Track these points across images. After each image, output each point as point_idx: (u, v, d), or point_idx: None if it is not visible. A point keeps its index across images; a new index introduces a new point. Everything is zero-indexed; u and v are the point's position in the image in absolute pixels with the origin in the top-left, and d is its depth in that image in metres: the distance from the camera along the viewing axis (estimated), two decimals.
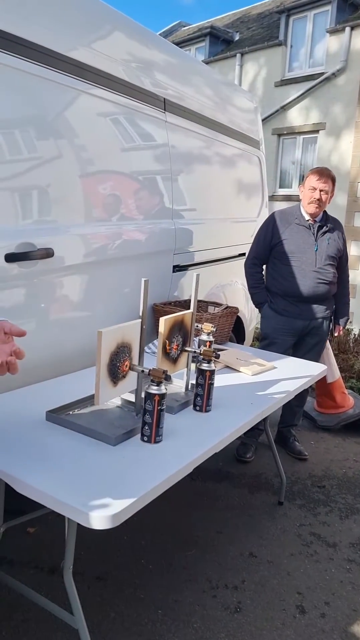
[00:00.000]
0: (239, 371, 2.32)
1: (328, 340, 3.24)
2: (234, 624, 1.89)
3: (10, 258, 1.88)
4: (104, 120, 2.32)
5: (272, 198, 11.82)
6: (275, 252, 2.98)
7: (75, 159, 2.17)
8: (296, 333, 3.02)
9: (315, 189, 2.85)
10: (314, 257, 2.90)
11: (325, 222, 2.96)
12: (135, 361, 1.68)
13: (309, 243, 2.91)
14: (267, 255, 3.04)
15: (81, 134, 2.19)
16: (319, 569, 2.22)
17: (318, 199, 2.85)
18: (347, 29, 10.84)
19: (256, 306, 3.18)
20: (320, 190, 2.84)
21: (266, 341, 3.05)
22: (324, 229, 2.94)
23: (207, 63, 13.05)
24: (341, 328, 3.21)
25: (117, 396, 1.66)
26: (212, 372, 1.80)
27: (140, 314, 1.67)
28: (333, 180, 2.89)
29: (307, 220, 2.93)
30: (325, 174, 2.87)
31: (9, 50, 1.85)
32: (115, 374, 1.59)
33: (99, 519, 1.18)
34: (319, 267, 2.90)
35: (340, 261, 3.00)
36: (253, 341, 4.36)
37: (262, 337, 3.12)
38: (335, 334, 3.23)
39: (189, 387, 2.02)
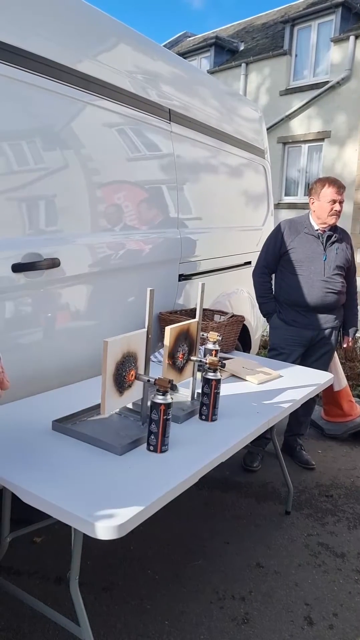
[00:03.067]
0: (245, 380, 2.32)
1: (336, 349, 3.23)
2: (241, 636, 1.87)
3: (17, 268, 1.89)
4: (109, 132, 2.34)
5: (278, 206, 11.86)
6: (284, 261, 2.98)
7: (81, 169, 2.19)
8: (305, 343, 3.01)
9: (335, 201, 2.87)
10: (322, 267, 2.90)
11: (334, 232, 2.97)
12: (141, 370, 1.68)
13: (317, 252, 2.92)
14: (276, 265, 3.04)
15: (87, 145, 2.21)
16: (327, 580, 2.20)
17: (339, 211, 2.89)
18: (352, 38, 10.92)
19: (264, 316, 3.17)
20: (340, 202, 2.88)
21: (275, 352, 3.03)
22: (333, 238, 2.94)
23: (212, 73, 13.17)
24: (350, 339, 3.20)
25: (123, 405, 1.66)
26: (218, 382, 1.80)
27: (146, 323, 1.67)
28: (344, 189, 2.95)
29: (317, 230, 2.94)
30: (342, 185, 2.92)
31: (16, 63, 1.88)
32: (121, 383, 1.59)
33: (105, 529, 1.18)
34: (327, 277, 2.90)
35: (348, 272, 3.00)
36: (259, 349, 4.35)
37: (270, 347, 3.11)
38: (344, 345, 3.22)
39: (195, 396, 2.02)
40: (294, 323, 2.99)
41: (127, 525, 1.20)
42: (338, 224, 3.06)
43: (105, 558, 2.21)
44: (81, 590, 1.44)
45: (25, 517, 2.01)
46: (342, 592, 2.13)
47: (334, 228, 2.98)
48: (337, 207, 2.88)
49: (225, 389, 2.15)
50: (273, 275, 3.12)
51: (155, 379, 1.55)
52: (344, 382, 3.57)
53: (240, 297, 3.63)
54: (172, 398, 1.53)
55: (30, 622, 1.85)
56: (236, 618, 1.95)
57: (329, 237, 2.94)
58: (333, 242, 2.95)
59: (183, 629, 1.88)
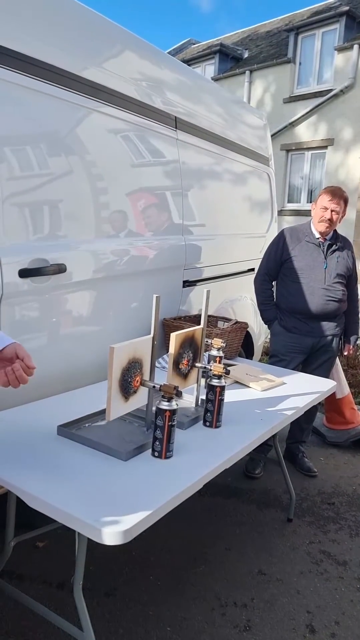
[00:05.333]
0: (248, 387, 2.33)
1: (337, 357, 3.24)
2: None
3: (24, 273, 1.91)
4: (116, 138, 2.36)
5: (281, 213, 11.89)
6: (285, 268, 3.00)
7: (87, 176, 2.20)
8: (306, 350, 3.02)
9: (326, 208, 2.86)
10: (323, 275, 2.91)
11: (335, 241, 2.98)
12: (147, 376, 1.69)
13: (318, 261, 2.93)
14: (277, 272, 3.05)
15: (94, 152, 2.23)
16: (329, 588, 2.20)
17: (329, 219, 2.87)
18: (355, 47, 10.98)
19: (265, 323, 3.18)
20: (332, 211, 2.86)
21: (276, 358, 3.04)
22: (334, 247, 2.96)
23: (216, 80, 13.23)
24: (351, 347, 3.21)
25: (128, 411, 1.67)
26: (223, 388, 1.81)
27: (152, 330, 1.68)
28: (345, 200, 2.91)
29: (318, 238, 2.95)
30: (337, 194, 2.89)
31: (23, 70, 1.90)
32: (127, 389, 1.60)
33: (111, 534, 1.18)
34: (327, 285, 2.91)
35: (349, 280, 3.01)
36: (262, 356, 4.35)
37: (271, 354, 3.12)
38: (345, 353, 3.22)
39: (199, 402, 2.03)
40: (294, 330, 3.00)
41: (133, 530, 1.21)
42: (340, 232, 3.07)
43: (108, 563, 2.22)
44: (83, 595, 1.45)
45: (27, 521, 2.02)
46: (344, 601, 2.13)
47: (335, 236, 2.99)
48: (327, 214, 2.87)
49: (229, 396, 2.16)
50: (274, 282, 3.14)
51: (161, 385, 1.56)
52: (346, 390, 3.57)
53: (243, 303, 3.64)
54: (177, 404, 1.54)
55: (33, 627, 1.85)
56: (238, 625, 1.95)
57: (330, 245, 2.95)
58: (334, 251, 2.96)
59: (185, 635, 1.88)
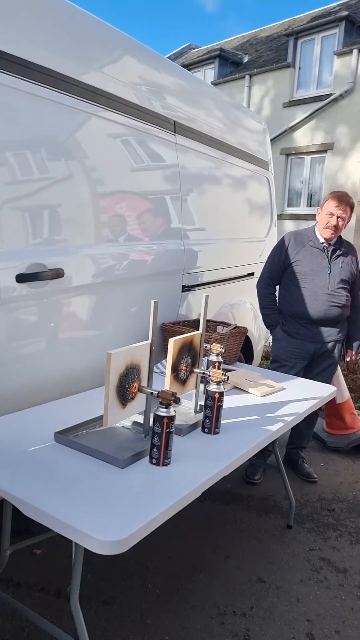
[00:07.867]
0: (248, 392, 2.31)
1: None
2: None
3: (21, 278, 1.89)
4: (115, 143, 2.36)
5: (280, 217, 11.89)
6: (288, 273, 2.98)
7: (86, 180, 2.19)
8: (308, 356, 3.00)
9: (332, 215, 2.85)
10: (326, 280, 2.89)
11: (340, 246, 2.96)
12: (144, 383, 1.67)
13: (322, 266, 2.91)
14: (280, 276, 3.03)
15: (92, 156, 2.22)
16: (329, 596, 2.18)
17: (334, 225, 2.86)
18: (355, 52, 11.00)
19: (268, 328, 3.16)
20: (338, 217, 2.84)
21: (277, 364, 3.02)
22: (338, 252, 2.94)
23: (216, 84, 13.27)
24: (353, 352, 3.19)
25: (126, 418, 1.65)
26: (221, 394, 1.79)
27: (150, 335, 1.67)
28: (351, 206, 2.90)
29: (322, 243, 2.93)
30: (344, 200, 2.87)
31: (23, 75, 1.89)
32: (124, 395, 1.59)
33: (107, 544, 1.17)
34: (331, 290, 2.89)
35: (353, 285, 2.99)
36: (261, 361, 4.34)
37: (273, 359, 3.09)
38: (347, 359, 3.20)
39: (198, 408, 2.01)
40: (297, 335, 2.98)
41: (129, 540, 1.19)
42: (344, 237, 3.05)
43: (106, 571, 2.19)
44: (81, 604, 1.43)
45: (25, 527, 2.00)
46: (345, 609, 2.11)
47: (339, 241, 2.98)
48: (333, 221, 2.85)
49: (228, 401, 2.14)
50: (277, 287, 3.12)
51: (159, 392, 1.54)
52: (346, 395, 3.55)
53: (243, 308, 3.63)
54: (175, 411, 1.52)
55: (30, 636, 1.82)
56: (237, 634, 1.93)
57: (334, 250, 2.94)
58: (338, 256, 2.94)
59: None
